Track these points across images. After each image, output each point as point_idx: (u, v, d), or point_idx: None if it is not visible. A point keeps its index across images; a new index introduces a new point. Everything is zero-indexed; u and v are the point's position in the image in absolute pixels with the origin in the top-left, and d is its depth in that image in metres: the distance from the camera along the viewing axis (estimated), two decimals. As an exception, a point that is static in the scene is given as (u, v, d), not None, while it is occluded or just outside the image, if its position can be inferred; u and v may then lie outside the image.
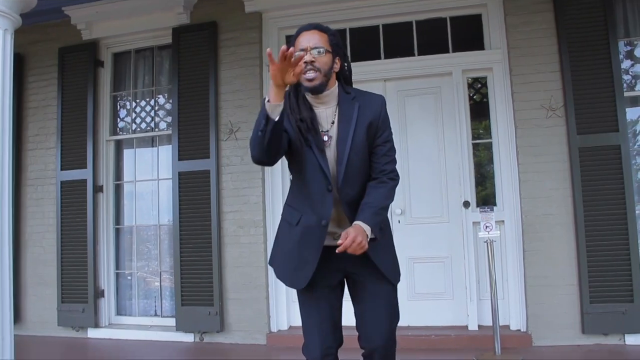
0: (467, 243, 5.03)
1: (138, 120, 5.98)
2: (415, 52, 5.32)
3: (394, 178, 2.46)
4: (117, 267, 5.88)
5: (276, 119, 2.15)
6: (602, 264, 4.54)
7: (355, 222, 2.29)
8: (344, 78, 2.49)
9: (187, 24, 5.57)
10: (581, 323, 4.58)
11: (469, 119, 5.16)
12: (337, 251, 2.20)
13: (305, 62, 2.28)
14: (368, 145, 2.41)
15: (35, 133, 5.97)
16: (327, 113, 2.42)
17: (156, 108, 5.92)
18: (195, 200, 5.38)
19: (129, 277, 5.86)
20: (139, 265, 5.87)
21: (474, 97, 5.41)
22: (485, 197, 5.27)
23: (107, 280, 5.77)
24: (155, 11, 5.60)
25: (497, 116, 5.04)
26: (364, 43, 5.47)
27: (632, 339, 4.51)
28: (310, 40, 2.35)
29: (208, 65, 5.44)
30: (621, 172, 4.58)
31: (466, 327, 4.96)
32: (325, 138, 2.39)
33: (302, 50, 2.32)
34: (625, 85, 4.77)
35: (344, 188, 2.38)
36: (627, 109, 4.71)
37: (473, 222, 5.02)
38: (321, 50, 2.33)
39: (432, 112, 5.26)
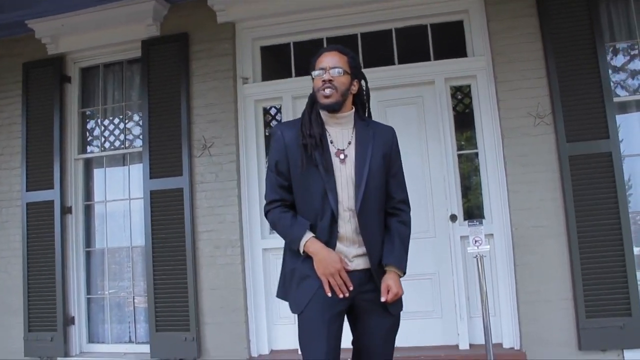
0: (455, 258, 4.80)
1: (109, 137, 5.69)
2: (396, 60, 5.12)
3: (408, 210, 2.56)
4: (89, 291, 5.55)
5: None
6: (598, 277, 4.32)
7: (391, 269, 2.40)
8: (361, 103, 2.56)
9: (156, 36, 5.33)
10: (577, 339, 4.35)
11: (454, 129, 4.94)
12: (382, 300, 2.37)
13: (323, 81, 2.39)
14: (384, 171, 2.46)
15: (-1, 153, 5.67)
16: (343, 133, 2.47)
17: (126, 124, 5.65)
18: (169, 220, 5.10)
19: (101, 302, 5.54)
20: (111, 289, 5.55)
21: (458, 106, 5.21)
22: (473, 210, 5.05)
23: (77, 306, 5.44)
24: (124, 23, 5.34)
25: (483, 125, 4.83)
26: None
27: (630, 355, 4.28)
28: (330, 61, 2.43)
29: (179, 78, 5.20)
30: (613, 180, 4.39)
31: (457, 346, 4.71)
32: (342, 156, 2.42)
33: (322, 69, 2.42)
34: (614, 90, 4.59)
35: (363, 209, 2.38)
36: (616, 115, 4.52)
37: (461, 237, 4.79)
38: (340, 70, 2.41)
39: (414, 122, 5.05)
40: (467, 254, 4.58)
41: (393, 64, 5.12)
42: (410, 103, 5.08)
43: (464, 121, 5.14)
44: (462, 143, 5.17)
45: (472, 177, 5.17)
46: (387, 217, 2.50)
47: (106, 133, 5.71)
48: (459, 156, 5.01)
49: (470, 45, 4.95)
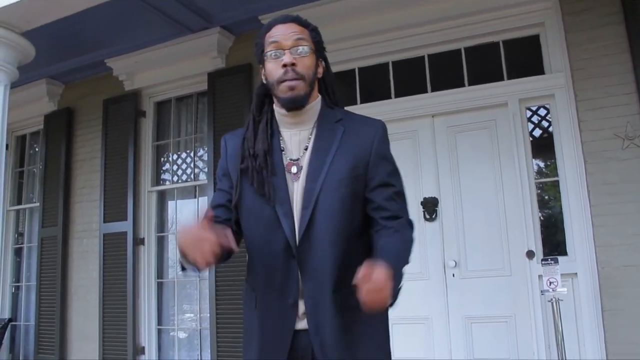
0: (533, 300, 4.24)
1: (181, 169, 5.80)
2: (466, 82, 4.72)
3: (408, 226, 1.69)
4: (159, 322, 5.60)
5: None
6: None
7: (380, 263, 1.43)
8: (327, 89, 1.83)
9: (222, 68, 5.37)
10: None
11: (530, 155, 4.43)
12: (354, 282, 1.37)
13: (284, 65, 1.67)
14: (353, 187, 1.65)
15: (82, 186, 5.97)
16: (300, 137, 1.74)
17: (196, 156, 5.71)
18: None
19: (171, 333, 5.56)
20: (180, 320, 5.56)
21: (534, 129, 4.68)
22: (553, 246, 4.47)
23: (147, 336, 5.51)
24: (192, 57, 5.45)
25: (563, 150, 4.28)
26: (408, 76, 4.96)
27: None
28: (289, 35, 1.70)
29: (244, 109, 5.15)
30: None
31: (535, 401, 4.16)
32: (294, 169, 1.70)
33: (276, 48, 1.70)
34: None
35: (307, 243, 1.64)
36: None
37: (539, 275, 4.21)
38: (305, 49, 1.70)
39: (487, 148, 4.60)
40: (545, 295, 4.03)
41: (463, 86, 4.73)
42: (481, 128, 4.64)
43: (542, 146, 4.60)
44: (541, 170, 4.62)
45: (552, 209, 4.59)
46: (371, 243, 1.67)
47: (180, 165, 5.81)
48: (537, 185, 4.48)
49: (547, 61, 4.45)
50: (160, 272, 5.70)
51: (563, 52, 4.31)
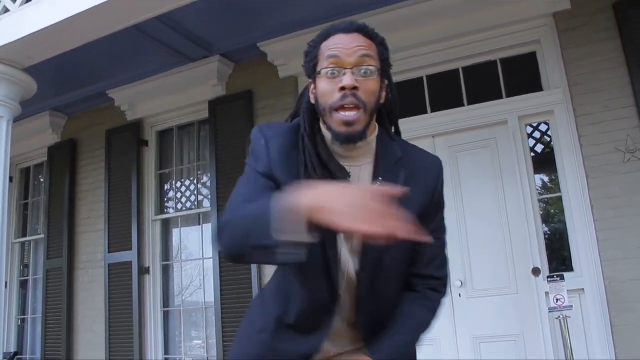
0: (541, 317, 4.21)
1: (183, 197, 5.81)
2: (465, 101, 4.75)
3: (441, 291, 1.52)
4: (166, 351, 5.57)
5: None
6: None
7: None
8: (390, 118, 1.53)
9: (222, 96, 5.41)
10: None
11: (532, 171, 4.44)
12: None
13: (342, 88, 1.32)
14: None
15: (86, 216, 5.98)
16: (357, 172, 1.43)
17: (199, 184, 5.73)
18: (237, 279, 5.01)
19: (179, 362, 5.54)
20: (186, 349, 5.53)
21: (535, 146, 4.69)
22: (559, 262, 4.45)
23: (155, 366, 5.48)
24: (192, 86, 5.50)
25: (565, 165, 4.29)
26: (407, 97, 4.99)
27: None
28: (352, 50, 1.35)
29: (245, 136, 5.16)
30: None
31: (547, 420, 4.10)
32: None
33: (337, 66, 1.34)
34: None
35: (367, 303, 1.45)
36: None
37: (545, 292, 4.19)
38: (371, 68, 1.35)
39: (488, 166, 4.60)
40: (552, 310, 3.99)
41: (462, 105, 4.75)
42: (482, 146, 4.65)
43: (543, 162, 4.61)
44: (543, 186, 4.62)
45: (556, 224, 4.58)
46: (406, 292, 1.50)
47: (184, 193, 5.83)
48: (540, 201, 4.47)
49: (545, 77, 4.48)
50: (166, 301, 5.68)
51: (560, 68, 4.35)
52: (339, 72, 1.33)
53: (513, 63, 4.67)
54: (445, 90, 4.87)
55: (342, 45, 1.35)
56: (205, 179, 5.67)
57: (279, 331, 1.48)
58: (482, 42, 4.69)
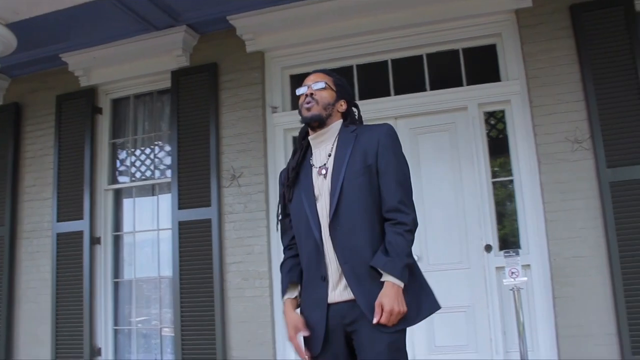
0: (490, 290, 4.58)
1: (140, 168, 5.71)
2: (427, 87, 5.01)
3: (404, 216, 2.10)
4: (116, 322, 5.49)
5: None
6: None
7: (386, 279, 2.04)
8: (352, 118, 2.36)
9: (186, 67, 5.35)
10: (624, 377, 4.08)
11: (488, 155, 4.78)
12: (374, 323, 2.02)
13: (305, 95, 2.27)
14: (368, 175, 2.14)
15: (31, 184, 5.73)
16: (326, 149, 2.28)
17: (156, 155, 5.66)
18: (197, 251, 5.03)
19: (128, 333, 5.47)
20: (138, 320, 5.48)
21: (492, 132, 5.04)
22: (509, 240, 4.83)
23: (104, 337, 5.38)
24: (154, 55, 5.40)
25: (518, 151, 4.66)
26: (372, 80, 5.19)
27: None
28: (313, 78, 2.34)
29: (209, 108, 5.18)
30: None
31: (493, 383, 4.48)
32: (323, 172, 2.22)
33: (305, 86, 2.31)
34: None
35: (337, 224, 2.12)
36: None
37: (496, 267, 4.57)
38: (322, 84, 2.28)
39: (447, 150, 4.90)
40: (503, 285, 4.34)
41: (424, 90, 5.01)
42: (442, 130, 4.94)
43: (499, 147, 4.96)
44: (497, 170, 4.98)
45: (507, 206, 4.96)
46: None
47: (137, 163, 5.73)
48: (494, 184, 4.83)
49: (503, 69, 4.82)
50: (117, 272, 5.58)
51: (519, 61, 4.70)
52: (306, 89, 2.29)
53: (475, 53, 4.98)
54: (409, 75, 5.10)
55: (310, 78, 2.35)
56: (164, 149, 5.60)
57: (305, 283, 2.22)
58: (447, 32, 4.96)
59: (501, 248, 4.65)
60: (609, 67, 4.39)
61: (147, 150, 5.71)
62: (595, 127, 4.33)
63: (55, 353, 5.31)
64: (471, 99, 4.81)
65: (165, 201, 5.44)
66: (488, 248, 4.64)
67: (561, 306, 4.30)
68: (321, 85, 2.27)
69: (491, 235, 4.67)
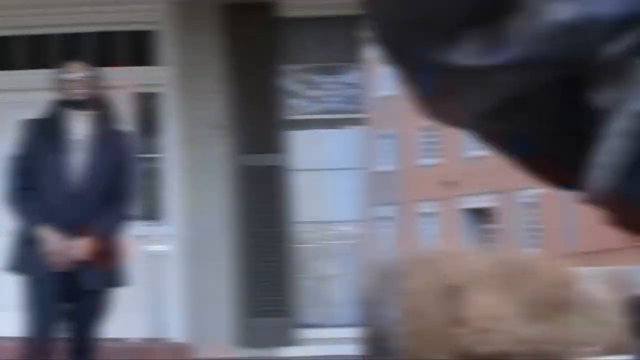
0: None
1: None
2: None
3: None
4: None
5: None
6: (260, 280, 4.76)
7: None
8: None
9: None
10: (239, 337, 4.70)
11: (138, 134, 5.04)
12: None
13: None
14: None
15: None
16: None
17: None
18: None
19: None
20: None
21: (144, 112, 5.32)
22: (152, 212, 5.13)
23: None
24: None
25: (168, 132, 5.04)
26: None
27: (286, 352, 4.75)
28: None
29: None
30: (282, 191, 4.91)
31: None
32: None
33: None
34: (289, 109, 5.09)
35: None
36: (292, 132, 5.05)
37: (137, 236, 4.82)
38: None
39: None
40: (146, 252, 4.60)
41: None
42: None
43: (150, 126, 5.25)
44: (146, 148, 5.27)
45: (152, 181, 5.27)
46: None
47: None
48: (142, 159, 5.10)
49: (161, 55, 5.09)
50: None
51: (175, 50, 5.02)
52: None
53: (133, 37, 5.15)
54: (74, 51, 5.08)
55: None
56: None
57: None
58: (105, 14, 5.04)
59: (144, 219, 4.92)
60: (253, 65, 4.97)
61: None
62: (235, 117, 4.89)
63: None
64: (126, 80, 4.99)
65: None
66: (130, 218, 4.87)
67: (194, 273, 4.76)
68: None
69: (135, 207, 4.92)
